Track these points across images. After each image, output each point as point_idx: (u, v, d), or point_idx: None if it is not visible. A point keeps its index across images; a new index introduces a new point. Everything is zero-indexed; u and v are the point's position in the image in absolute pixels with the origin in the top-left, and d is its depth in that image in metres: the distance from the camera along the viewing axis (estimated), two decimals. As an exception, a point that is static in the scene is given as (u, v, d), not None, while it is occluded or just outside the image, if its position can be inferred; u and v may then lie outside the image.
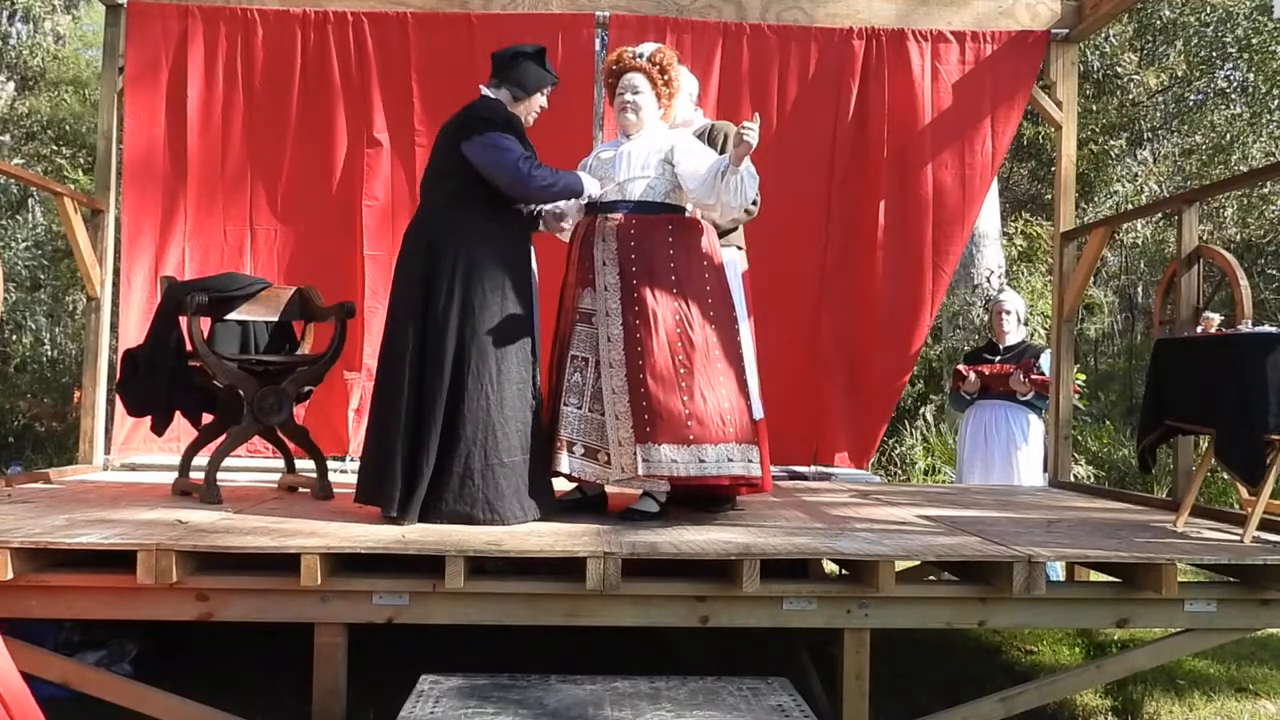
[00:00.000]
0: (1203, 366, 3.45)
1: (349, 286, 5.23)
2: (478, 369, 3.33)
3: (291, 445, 4.22)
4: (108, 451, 5.23)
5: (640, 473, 3.35)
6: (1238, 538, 3.31)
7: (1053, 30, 5.43)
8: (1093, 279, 7.96)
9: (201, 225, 5.33)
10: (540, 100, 3.65)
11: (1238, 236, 11.75)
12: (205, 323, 3.89)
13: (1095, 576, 3.83)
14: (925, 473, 8.55)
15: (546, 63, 3.63)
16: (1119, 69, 11.49)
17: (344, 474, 4.74)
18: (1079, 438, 8.67)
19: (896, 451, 9.04)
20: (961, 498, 4.63)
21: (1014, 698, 3.10)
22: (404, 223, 3.81)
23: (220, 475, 3.85)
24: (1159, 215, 11.21)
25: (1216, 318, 3.97)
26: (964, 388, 5.58)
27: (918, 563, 3.43)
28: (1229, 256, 4.13)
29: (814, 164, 5.43)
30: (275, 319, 4.13)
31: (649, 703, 2.59)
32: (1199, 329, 3.96)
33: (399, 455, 3.29)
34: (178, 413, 3.98)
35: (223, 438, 3.93)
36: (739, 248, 4.03)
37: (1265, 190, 11.19)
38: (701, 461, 3.36)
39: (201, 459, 4.01)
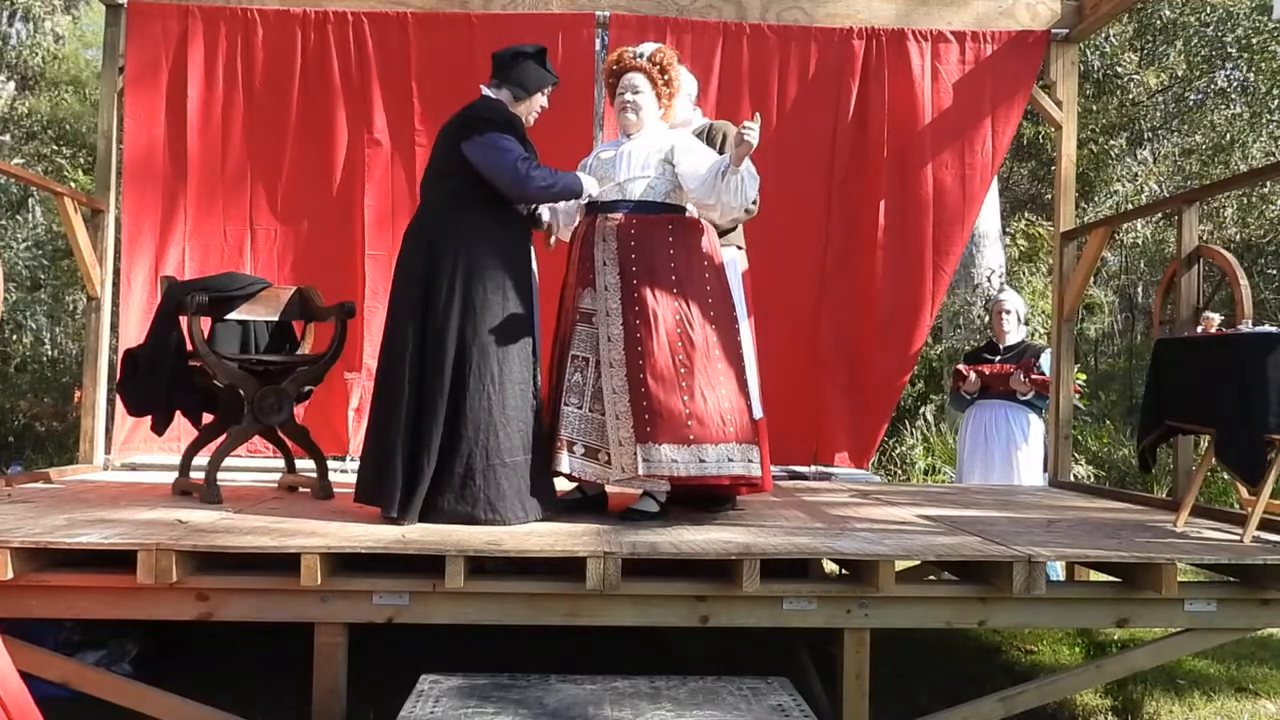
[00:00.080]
0: (1203, 366, 3.45)
1: (349, 286, 5.23)
2: (479, 369, 3.33)
3: (291, 445, 4.22)
4: (108, 451, 5.23)
5: (640, 473, 3.35)
6: (1238, 538, 3.31)
7: (1053, 30, 5.43)
8: (1093, 279, 7.96)
9: (201, 225, 5.33)
10: (541, 100, 3.65)
11: (1238, 236, 11.75)
12: (205, 323, 3.89)
13: (1095, 576, 3.83)
14: (925, 473, 8.55)
15: (547, 63, 3.63)
16: (1119, 69, 11.49)
17: (344, 474, 4.74)
18: (1079, 438, 8.67)
19: (896, 451, 9.04)
20: (961, 498, 4.63)
21: (1014, 698, 3.10)
22: (404, 223, 3.81)
23: (220, 475, 3.85)
24: (1159, 215, 11.21)
25: (1216, 318, 3.96)
26: (964, 387, 5.58)
27: (918, 563, 3.43)
28: (1229, 256, 4.13)
29: (814, 164, 5.43)
30: (275, 319, 4.13)
31: (649, 702, 2.59)
32: (1199, 329, 3.96)
33: (399, 455, 3.29)
34: (178, 413, 3.98)
35: (223, 438, 3.93)
36: (739, 247, 4.03)
37: (1265, 190, 11.19)
38: (702, 461, 3.36)
39: (201, 459, 4.01)
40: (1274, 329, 3.42)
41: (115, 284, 5.47)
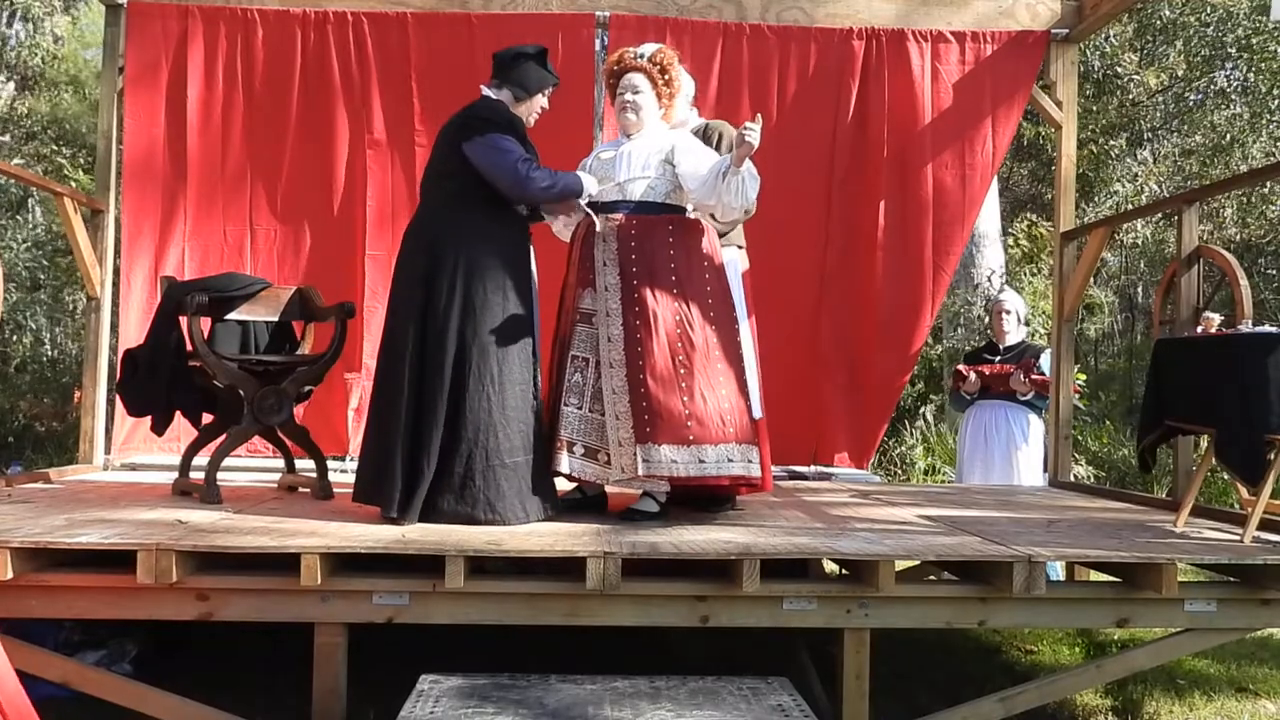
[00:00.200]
0: (1203, 366, 3.45)
1: (349, 286, 5.23)
2: (479, 369, 3.33)
3: (291, 445, 4.22)
4: (108, 451, 5.23)
5: (640, 473, 3.35)
6: (1238, 538, 3.31)
7: (1053, 30, 5.43)
8: (1093, 279, 7.96)
9: (201, 225, 5.33)
10: (541, 101, 3.65)
11: (1238, 236, 11.75)
12: (205, 323, 3.89)
13: (1095, 576, 3.84)
14: (925, 473, 8.55)
15: (548, 64, 3.63)
16: (1119, 69, 11.49)
17: (344, 474, 4.73)
18: (1079, 438, 8.67)
19: (896, 451, 9.04)
20: (961, 498, 4.63)
21: (1014, 698, 3.10)
22: (404, 223, 3.81)
23: (220, 475, 3.85)
24: (1159, 215, 11.21)
25: (1216, 318, 3.96)
26: (964, 388, 5.57)
27: (918, 563, 3.43)
28: (1229, 256, 4.13)
29: (814, 164, 5.43)
30: (275, 319, 4.13)
31: (649, 702, 2.59)
32: (1199, 329, 3.96)
33: (399, 455, 3.29)
34: (178, 413, 3.98)
35: (223, 438, 3.93)
36: (739, 246, 4.03)
37: (1265, 190, 11.19)
38: (701, 462, 3.36)
39: (201, 459, 4.01)
40: (1274, 329, 3.42)
41: (115, 284, 5.47)
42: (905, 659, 3.84)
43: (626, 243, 3.51)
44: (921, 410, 9.26)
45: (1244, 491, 3.84)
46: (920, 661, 3.93)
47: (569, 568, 2.91)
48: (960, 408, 5.87)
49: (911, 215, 5.45)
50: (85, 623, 3.33)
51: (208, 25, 5.29)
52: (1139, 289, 14.22)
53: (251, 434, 4.02)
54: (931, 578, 3.74)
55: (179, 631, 3.53)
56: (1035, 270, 9.99)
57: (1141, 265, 13.62)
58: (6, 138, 12.88)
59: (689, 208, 3.62)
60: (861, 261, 5.45)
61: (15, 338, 11.42)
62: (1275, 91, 10.64)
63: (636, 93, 3.62)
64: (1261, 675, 4.10)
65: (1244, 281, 3.93)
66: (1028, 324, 6.71)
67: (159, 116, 5.31)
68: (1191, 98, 11.79)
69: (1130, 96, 11.79)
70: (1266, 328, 3.52)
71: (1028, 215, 11.33)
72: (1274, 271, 11.40)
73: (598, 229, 3.54)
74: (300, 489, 4.22)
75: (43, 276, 11.01)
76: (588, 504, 3.76)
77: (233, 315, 3.99)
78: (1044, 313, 8.48)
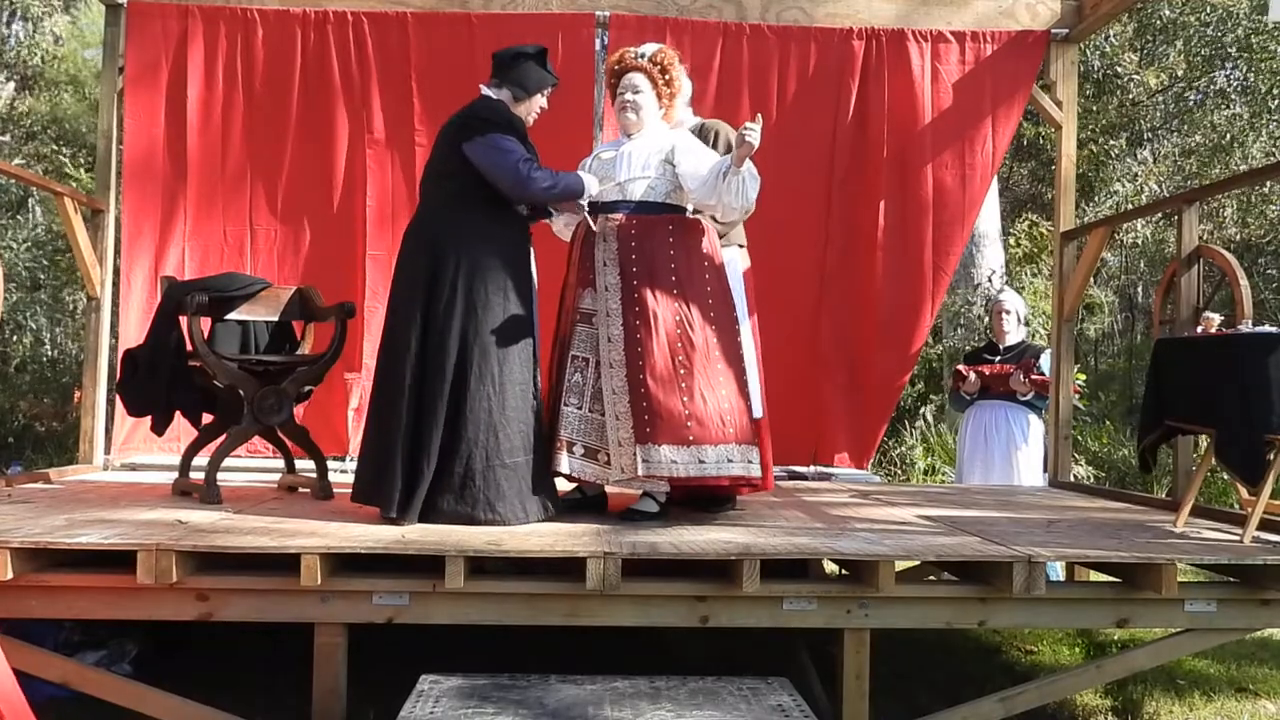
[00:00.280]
0: (1203, 366, 3.45)
1: (349, 286, 5.23)
2: (480, 370, 3.33)
3: (291, 445, 4.22)
4: (108, 451, 5.23)
5: (640, 473, 3.35)
6: (1238, 538, 3.31)
7: (1053, 30, 5.43)
8: (1093, 279, 7.96)
9: (201, 225, 5.33)
10: (540, 101, 3.64)
11: (1238, 236, 11.75)
12: (205, 323, 3.89)
13: (1095, 576, 3.83)
14: (925, 473, 8.55)
15: (547, 63, 3.63)
16: (1119, 69, 11.49)
17: (344, 474, 4.73)
18: (1079, 438, 8.67)
19: (896, 451, 9.04)
20: (961, 498, 4.63)
21: (1014, 698, 3.10)
22: (404, 223, 3.81)
23: (220, 475, 3.85)
24: (1159, 215, 11.21)
25: (1216, 318, 3.96)
26: (964, 388, 5.58)
27: (918, 563, 3.43)
28: (1229, 256, 4.13)
29: (814, 164, 5.43)
30: (275, 319, 4.13)
31: (649, 702, 2.59)
32: (1199, 329, 3.96)
33: (399, 455, 3.28)
34: (178, 413, 3.98)
35: (223, 438, 3.93)
36: (740, 245, 4.03)
37: (1265, 190, 11.19)
38: (701, 462, 3.36)
39: (201, 459, 4.01)
40: (1274, 329, 3.42)
41: (115, 284, 5.47)
42: (905, 659, 3.84)
43: (627, 243, 3.50)
44: (921, 410, 9.26)
45: (1244, 491, 3.84)
46: (920, 661, 3.93)
47: (569, 568, 2.91)
48: (960, 408, 5.87)
49: (911, 215, 5.45)
50: (85, 623, 3.33)
51: (208, 25, 5.29)
52: (1139, 289, 14.22)
53: (251, 434, 4.02)
54: (931, 578, 3.74)
55: (179, 631, 3.53)
56: (1035, 270, 9.99)
57: (1141, 265, 13.62)
58: (6, 138, 12.88)
59: (689, 208, 3.62)
60: (861, 261, 5.45)
61: (15, 338, 11.43)
62: (1275, 91, 10.65)
63: (637, 92, 3.62)
64: (1261, 675, 4.10)
65: (1244, 281, 3.93)
66: (1028, 324, 6.71)
67: (159, 116, 5.31)
68: (1191, 98, 11.79)
69: (1130, 96, 11.79)
70: (1266, 328, 3.52)
71: (1028, 215, 11.33)
72: (1274, 271, 11.41)
73: (595, 228, 3.54)
74: (300, 489, 4.22)
75: (43, 276, 11.01)
76: (588, 504, 3.76)
77: (233, 315, 3.99)
78: (1044, 313, 8.48)
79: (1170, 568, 2.97)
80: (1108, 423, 9.59)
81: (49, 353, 12.10)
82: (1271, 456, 3.18)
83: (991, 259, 9.06)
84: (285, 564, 2.85)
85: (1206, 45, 10.94)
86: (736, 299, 3.71)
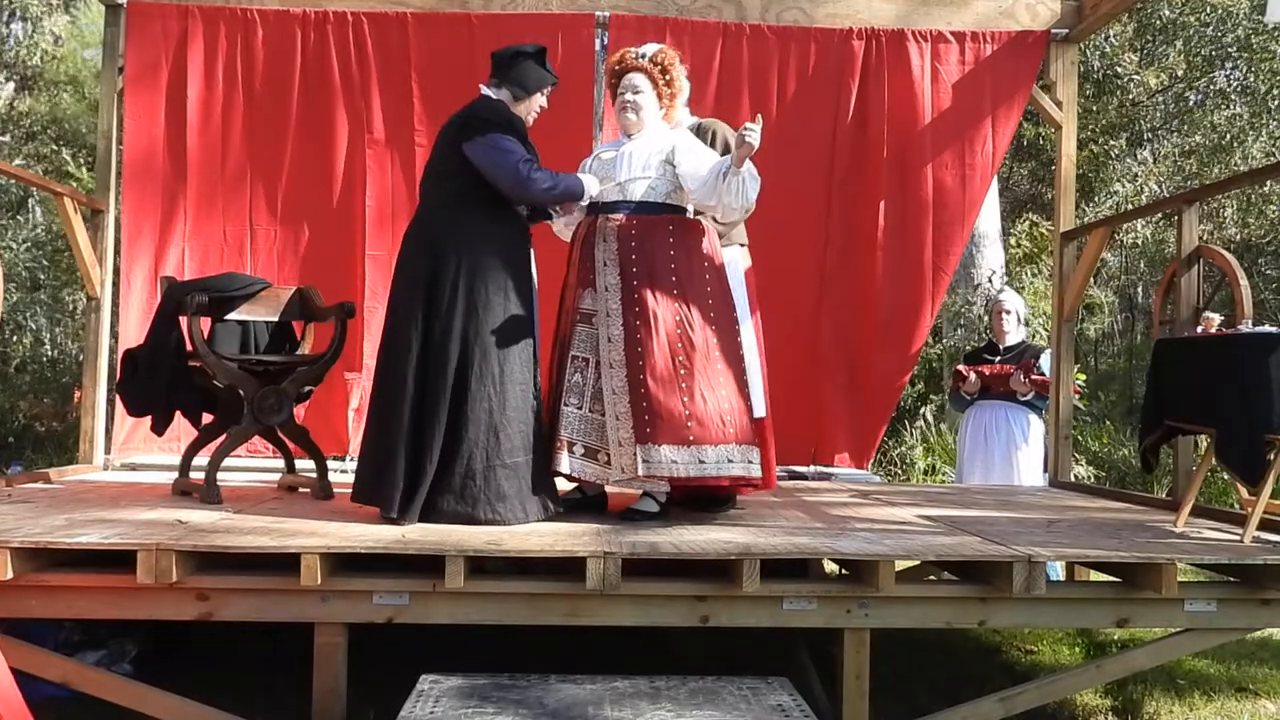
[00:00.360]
0: (1203, 366, 3.45)
1: (349, 286, 5.23)
2: (480, 370, 3.33)
3: (291, 445, 4.22)
4: (108, 451, 5.23)
5: (640, 473, 3.36)
6: (1238, 538, 3.31)
7: (1053, 30, 5.43)
8: (1093, 279, 7.96)
9: (201, 225, 5.33)
10: (540, 100, 3.64)
11: (1238, 236, 11.75)
12: (205, 323, 3.89)
13: (1095, 576, 3.84)
14: (925, 473, 8.55)
15: (546, 63, 3.63)
16: (1119, 69, 11.49)
17: (344, 474, 4.73)
18: (1079, 438, 8.66)
19: (896, 451, 9.04)
20: (961, 498, 4.63)
21: (1014, 698, 3.10)
22: (404, 223, 3.81)
23: (220, 475, 3.85)
24: (1159, 215, 11.21)
25: (1216, 318, 3.96)
26: (964, 388, 5.58)
27: (918, 563, 3.43)
28: (1229, 256, 4.13)
29: (814, 164, 5.43)
30: (275, 319, 4.13)
31: (649, 702, 2.59)
32: (1199, 329, 3.96)
33: (401, 455, 3.28)
34: (178, 413, 3.98)
35: (223, 438, 3.93)
36: (742, 245, 4.03)
37: (1265, 190, 11.19)
38: (701, 462, 3.36)
39: (201, 459, 4.01)
40: (1274, 329, 3.42)
41: (115, 284, 5.47)
42: (905, 659, 3.84)
43: (627, 243, 3.51)
44: (921, 410, 9.26)
45: (1244, 491, 3.84)
46: (920, 661, 3.93)
47: (569, 568, 2.91)
48: (960, 408, 5.87)
49: (911, 215, 5.45)
50: (85, 623, 3.33)
51: (208, 25, 5.29)
52: (1139, 289, 14.22)
53: (251, 434, 4.02)
54: (931, 578, 3.74)
55: (179, 631, 3.53)
56: (1035, 270, 9.99)
57: (1141, 265, 13.62)
58: (6, 138, 12.88)
59: (689, 208, 3.62)
60: (861, 261, 5.45)
61: (15, 338, 11.43)
62: (1275, 91, 10.64)
63: (637, 93, 3.62)
64: (1261, 675, 4.10)
65: (1244, 281, 3.93)
66: (1028, 324, 6.70)
67: (159, 116, 5.31)
68: (1191, 98, 11.79)
69: (1130, 96, 11.79)
70: (1266, 328, 3.52)
71: (1028, 215, 11.33)
72: (1274, 271, 11.41)
73: (576, 215, 3.54)
74: (300, 489, 4.22)
75: (43, 276, 11.01)
76: (588, 504, 3.76)
77: (233, 315, 3.99)
78: (1044, 313, 8.48)
79: (1170, 567, 2.97)
80: (1108, 423, 9.59)
81: (49, 353, 12.10)
82: (1271, 456, 3.18)
83: (991, 259, 9.06)
84: (285, 564, 2.85)
85: (1206, 45, 10.94)
86: (738, 298, 3.72)
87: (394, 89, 5.33)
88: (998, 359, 5.59)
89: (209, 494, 3.74)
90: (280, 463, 4.43)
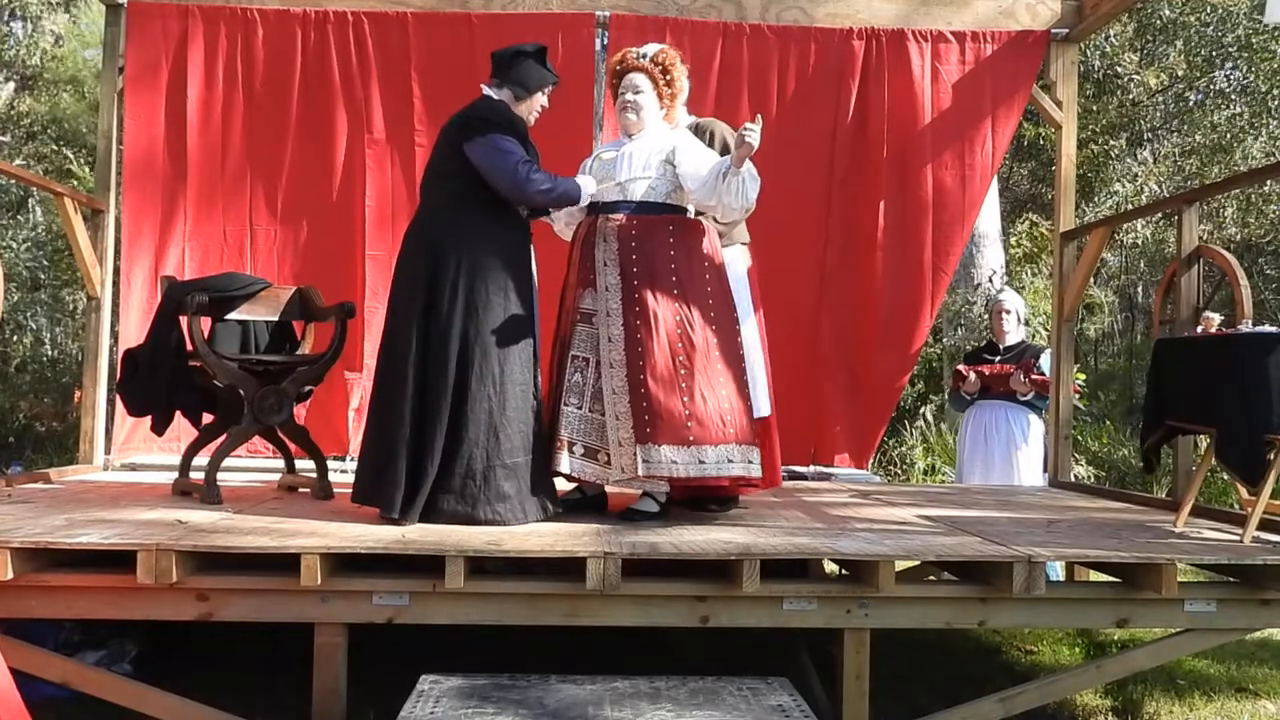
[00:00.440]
0: (1203, 366, 3.45)
1: (349, 286, 5.23)
2: (481, 370, 3.33)
3: (291, 445, 4.22)
4: (108, 451, 5.23)
5: (640, 473, 3.36)
6: (1238, 538, 3.31)
7: (1053, 30, 5.43)
8: (1093, 279, 7.96)
9: (201, 225, 5.33)
10: (541, 100, 3.64)
11: (1238, 236, 11.75)
12: (205, 323, 3.89)
13: (1095, 576, 3.84)
14: (925, 473, 8.55)
15: (547, 62, 3.63)
16: (1119, 69, 11.49)
17: (344, 474, 4.73)
18: (1079, 438, 8.67)
19: (896, 451, 9.04)
20: (961, 498, 4.63)
21: (1014, 698, 3.10)
22: (404, 223, 3.81)
23: (220, 475, 3.85)
24: (1159, 215, 11.21)
25: (1216, 318, 3.97)
26: (964, 388, 5.58)
27: (918, 563, 3.43)
28: (1229, 256, 4.13)
29: (814, 164, 5.43)
30: (275, 319, 4.13)
31: (649, 702, 2.59)
32: (1199, 329, 3.96)
33: (402, 456, 3.28)
34: (178, 413, 3.98)
35: (223, 438, 3.93)
36: (743, 244, 4.03)
37: (1265, 190, 11.18)
38: (701, 462, 3.36)
39: (201, 459, 4.01)
40: (1274, 329, 3.42)
41: (115, 284, 5.47)
42: (905, 659, 3.84)
43: (627, 243, 3.51)
44: (921, 410, 9.26)
45: (1244, 491, 3.84)
46: (920, 661, 3.93)
47: (569, 568, 2.91)
48: (960, 408, 5.87)
49: (911, 215, 5.45)
50: (85, 623, 3.33)
51: (208, 25, 5.29)
52: (1139, 289, 14.22)
53: (251, 434, 4.02)
54: (931, 578, 3.74)
55: (179, 631, 3.53)
56: (1035, 270, 9.99)
57: (1141, 265, 13.62)
58: (7, 138, 12.88)
59: (690, 208, 3.62)
60: (861, 261, 5.45)
61: (15, 338, 11.43)
62: (1275, 91, 10.64)
63: (638, 93, 3.62)
64: (1261, 675, 4.10)
65: (1244, 281, 3.93)
66: (1028, 324, 6.70)
67: (159, 116, 5.31)
68: (1191, 98, 11.79)
69: (1130, 96, 11.79)
70: (1266, 328, 3.52)
71: (1028, 215, 11.33)
72: (1274, 271, 11.40)
73: (597, 225, 3.54)
74: (300, 489, 4.22)
75: (43, 276, 11.01)
76: (588, 504, 3.76)
77: (233, 315, 3.99)
78: (1044, 313, 8.48)
79: (1170, 568, 2.97)
80: (1108, 423, 9.59)
81: (49, 353, 12.11)
82: (1271, 456, 3.18)
83: (991, 259, 9.06)
84: (285, 564, 2.85)
85: (1206, 45, 10.94)
86: (741, 297, 3.72)
87: (394, 89, 5.33)
88: (998, 359, 5.59)
89: (209, 494, 3.74)
90: (280, 463, 4.42)
